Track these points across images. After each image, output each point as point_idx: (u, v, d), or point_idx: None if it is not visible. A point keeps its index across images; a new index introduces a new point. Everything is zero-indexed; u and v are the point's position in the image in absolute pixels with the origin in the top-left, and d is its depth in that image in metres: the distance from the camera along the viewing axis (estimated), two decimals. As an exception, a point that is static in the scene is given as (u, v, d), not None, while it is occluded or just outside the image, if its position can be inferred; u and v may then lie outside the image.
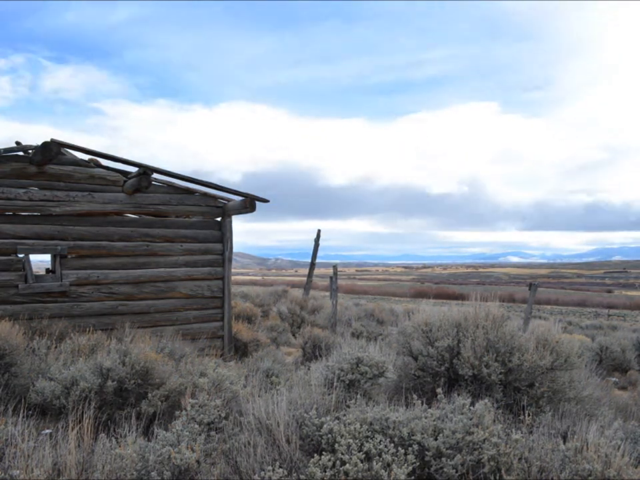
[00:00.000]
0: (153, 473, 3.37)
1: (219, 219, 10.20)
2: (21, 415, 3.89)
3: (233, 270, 10.56)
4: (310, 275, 22.85)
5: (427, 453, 3.60)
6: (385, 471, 3.35)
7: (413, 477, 3.46)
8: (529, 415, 4.26)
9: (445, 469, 3.49)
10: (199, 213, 9.98)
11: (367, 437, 3.70)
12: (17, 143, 9.14)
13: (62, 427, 3.89)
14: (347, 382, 5.02)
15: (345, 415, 3.97)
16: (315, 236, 23.04)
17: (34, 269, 8.50)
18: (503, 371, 5.21)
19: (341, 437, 3.63)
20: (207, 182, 9.66)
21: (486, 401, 3.97)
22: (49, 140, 8.11)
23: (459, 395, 4.37)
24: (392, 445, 3.56)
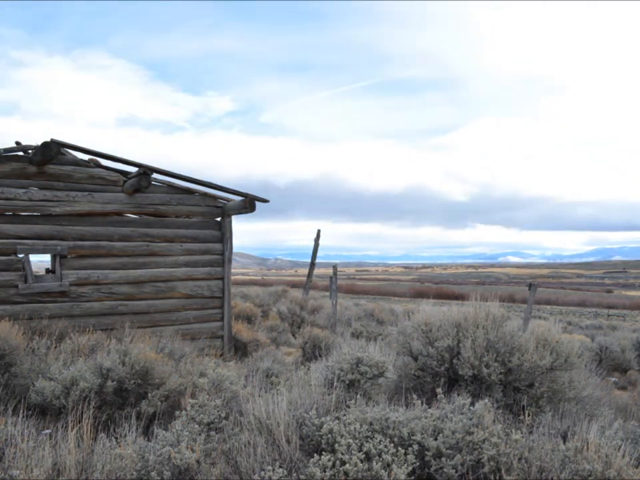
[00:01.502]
0: (152, 473, 3.37)
1: (218, 219, 10.20)
2: (20, 415, 3.89)
3: (232, 270, 10.56)
4: (310, 274, 22.83)
5: (426, 452, 3.60)
6: (385, 471, 3.35)
7: (412, 477, 3.46)
8: (528, 415, 4.25)
9: (445, 469, 3.49)
10: (199, 213, 9.98)
11: (367, 437, 3.70)
12: (17, 142, 9.13)
13: (62, 427, 3.89)
14: (347, 382, 5.02)
15: (345, 415, 3.97)
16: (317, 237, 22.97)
17: (34, 269, 8.49)
18: (502, 371, 5.21)
19: (341, 437, 3.63)
20: (206, 182, 9.67)
21: (486, 401, 3.97)
22: (48, 140, 8.12)
23: (458, 395, 4.37)
24: (392, 445, 3.56)
